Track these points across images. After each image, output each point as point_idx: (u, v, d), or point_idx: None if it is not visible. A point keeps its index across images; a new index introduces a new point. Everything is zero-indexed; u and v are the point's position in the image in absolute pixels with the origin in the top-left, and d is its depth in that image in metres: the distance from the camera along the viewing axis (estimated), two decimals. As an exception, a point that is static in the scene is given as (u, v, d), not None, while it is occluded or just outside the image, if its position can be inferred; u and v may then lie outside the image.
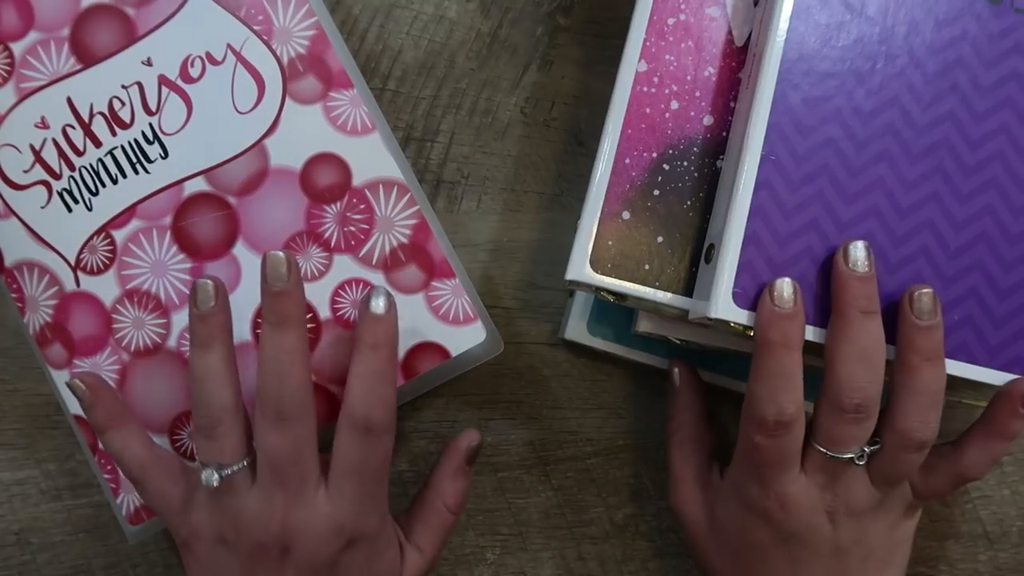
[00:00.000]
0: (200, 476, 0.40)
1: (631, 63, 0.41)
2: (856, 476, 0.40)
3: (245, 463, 0.40)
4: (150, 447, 0.42)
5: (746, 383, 0.39)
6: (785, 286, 0.36)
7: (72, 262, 0.45)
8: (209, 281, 0.40)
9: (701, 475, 0.45)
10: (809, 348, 0.38)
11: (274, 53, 0.45)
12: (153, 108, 0.45)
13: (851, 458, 0.39)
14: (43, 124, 0.45)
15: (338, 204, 0.45)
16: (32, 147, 0.45)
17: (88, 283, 0.45)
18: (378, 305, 0.40)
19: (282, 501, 0.40)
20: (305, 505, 0.40)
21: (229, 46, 0.45)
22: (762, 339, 0.37)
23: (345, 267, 0.45)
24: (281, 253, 0.39)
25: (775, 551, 0.41)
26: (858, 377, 0.37)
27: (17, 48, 0.45)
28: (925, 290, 0.37)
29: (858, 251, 0.36)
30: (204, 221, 0.45)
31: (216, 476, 0.39)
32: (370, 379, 0.40)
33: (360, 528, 0.41)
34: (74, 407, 0.45)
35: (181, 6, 0.45)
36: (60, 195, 0.45)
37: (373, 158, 0.45)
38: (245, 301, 0.45)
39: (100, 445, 0.45)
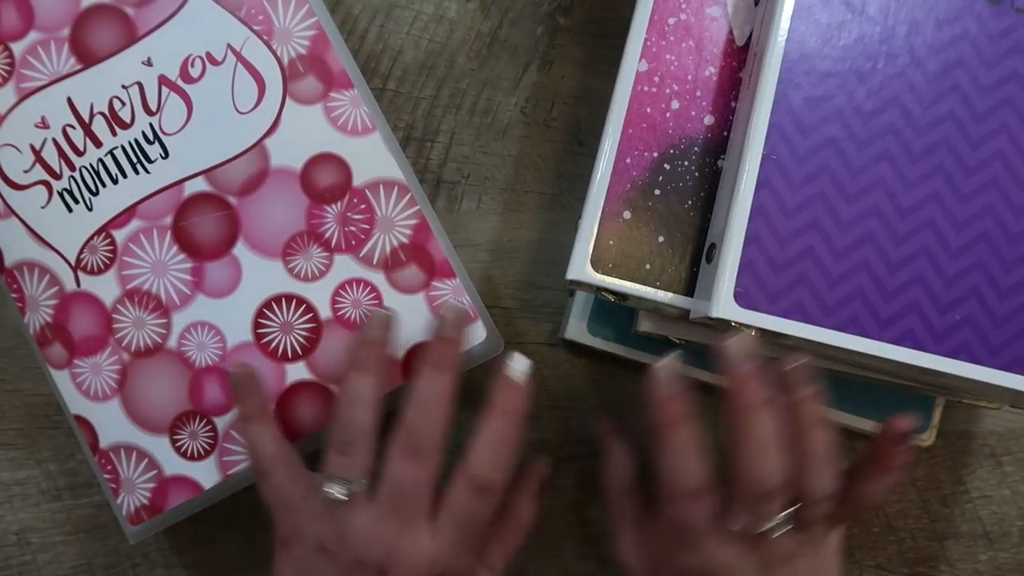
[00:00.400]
0: (322, 485, 0.41)
1: (632, 63, 0.41)
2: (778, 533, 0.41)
3: (366, 483, 0.41)
4: (281, 444, 0.44)
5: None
6: (663, 371, 0.39)
7: (72, 262, 0.45)
8: (387, 314, 0.43)
9: (637, 523, 0.46)
10: (813, 349, 0.38)
11: (274, 53, 0.45)
12: (153, 108, 0.45)
13: (772, 525, 0.39)
14: (43, 124, 0.45)
15: (339, 204, 0.45)
16: (32, 147, 0.45)
17: (88, 283, 0.45)
18: (518, 371, 0.42)
19: (393, 527, 0.41)
20: (412, 536, 0.41)
21: (229, 46, 0.45)
22: (656, 422, 0.39)
23: (346, 267, 0.45)
24: (462, 307, 0.44)
25: None
26: (762, 469, 0.38)
27: (17, 48, 0.45)
28: (799, 363, 0.38)
29: (738, 345, 0.37)
30: (204, 221, 0.45)
31: (340, 489, 0.41)
32: (496, 444, 0.42)
33: (454, 567, 0.42)
34: (74, 407, 0.45)
35: (181, 6, 0.45)
36: (60, 195, 0.45)
37: (373, 158, 0.45)
38: (245, 301, 0.45)
39: (101, 445, 0.45)
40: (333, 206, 0.45)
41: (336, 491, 0.41)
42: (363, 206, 0.45)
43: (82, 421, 0.46)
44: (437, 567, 0.41)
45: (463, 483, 0.41)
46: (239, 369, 0.44)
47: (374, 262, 0.45)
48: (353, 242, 0.45)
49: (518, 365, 0.42)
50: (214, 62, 0.45)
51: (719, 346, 0.37)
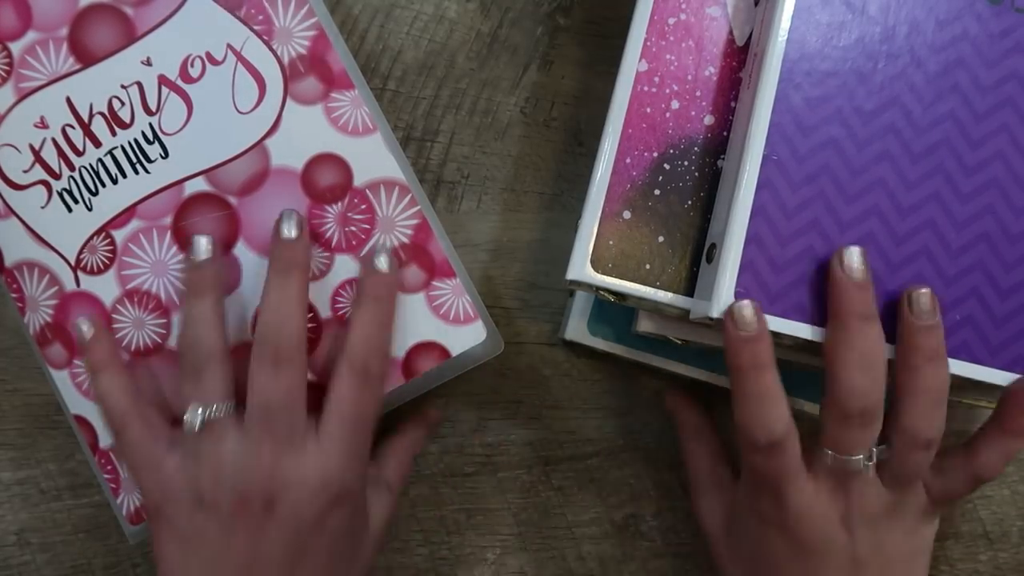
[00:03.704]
0: (182, 427, 0.39)
1: (631, 63, 0.41)
2: (868, 482, 0.39)
3: (231, 407, 0.40)
4: (135, 396, 0.42)
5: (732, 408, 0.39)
6: (745, 309, 0.36)
7: (72, 262, 0.45)
8: (204, 237, 0.42)
9: (714, 480, 0.46)
10: (812, 348, 0.38)
11: (275, 53, 0.45)
12: (153, 108, 0.45)
13: (859, 460, 0.39)
14: (42, 124, 0.45)
15: (339, 204, 0.45)
16: (32, 147, 0.45)
17: (88, 283, 0.45)
18: (382, 262, 0.42)
19: (269, 449, 0.39)
20: (294, 454, 0.39)
21: (229, 46, 0.45)
22: (734, 366, 0.37)
23: (346, 266, 0.45)
24: (294, 211, 0.42)
25: (791, 565, 0.41)
26: (860, 383, 0.37)
27: (16, 48, 0.45)
28: (923, 290, 0.37)
29: (853, 257, 0.36)
30: (205, 221, 0.45)
31: (200, 416, 0.39)
32: (371, 328, 0.41)
33: (346, 486, 0.40)
34: (74, 407, 0.45)
35: (180, 6, 0.45)
36: (60, 195, 0.45)
37: (374, 158, 0.45)
38: (246, 301, 0.45)
39: (100, 445, 0.45)
40: (334, 206, 0.45)
41: (196, 419, 0.39)
42: (364, 206, 0.45)
43: (82, 421, 0.46)
44: (332, 487, 0.40)
45: (344, 373, 0.41)
46: (85, 319, 0.43)
47: None
48: (354, 242, 0.45)
49: (384, 256, 0.42)
50: (214, 62, 0.45)
51: (832, 260, 0.36)
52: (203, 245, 0.42)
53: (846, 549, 0.40)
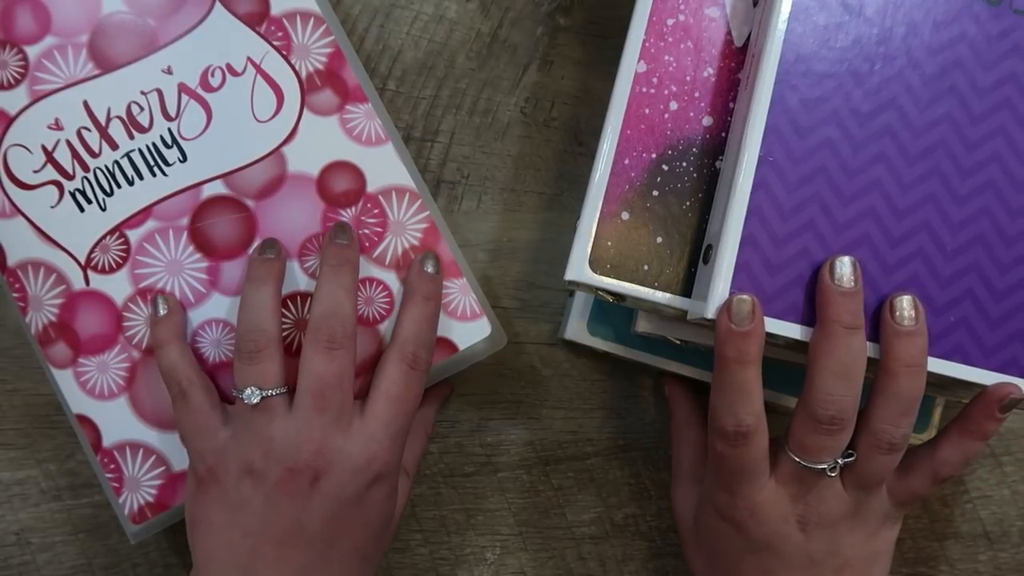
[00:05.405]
0: (238, 400, 0.42)
1: (630, 63, 0.41)
2: (828, 486, 0.40)
3: (283, 390, 0.42)
4: (199, 369, 0.44)
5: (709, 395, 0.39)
6: (743, 304, 0.37)
7: (82, 261, 0.46)
8: (276, 239, 0.45)
9: (693, 470, 0.46)
10: (805, 348, 0.38)
11: (293, 68, 0.46)
12: (172, 114, 0.46)
13: (823, 469, 0.39)
14: (57, 126, 0.45)
15: (353, 208, 0.46)
16: (44, 148, 0.45)
17: (99, 282, 0.46)
18: (431, 266, 0.45)
19: (320, 426, 0.41)
20: (342, 432, 0.41)
21: (249, 59, 0.46)
22: (719, 355, 0.37)
23: (360, 267, 0.46)
24: (346, 223, 0.45)
25: (746, 559, 0.41)
26: (835, 390, 0.37)
27: (32, 51, 0.45)
28: (906, 297, 0.37)
29: (844, 267, 0.37)
30: (222, 222, 0.46)
31: (258, 393, 0.41)
32: (421, 323, 0.44)
33: (387, 465, 0.42)
34: (77, 406, 0.46)
35: (202, 20, 0.46)
36: (72, 195, 0.45)
37: (386, 167, 0.47)
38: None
39: (104, 444, 0.46)
40: (348, 210, 0.46)
41: (254, 397, 0.41)
42: (376, 211, 0.46)
43: (85, 420, 0.46)
44: (375, 465, 0.42)
45: (394, 360, 0.43)
46: (166, 295, 0.45)
47: (386, 262, 0.46)
48: (367, 244, 0.46)
49: (432, 261, 0.45)
50: (234, 73, 0.46)
51: (823, 268, 0.37)
52: (274, 246, 0.44)
53: (801, 548, 0.40)
